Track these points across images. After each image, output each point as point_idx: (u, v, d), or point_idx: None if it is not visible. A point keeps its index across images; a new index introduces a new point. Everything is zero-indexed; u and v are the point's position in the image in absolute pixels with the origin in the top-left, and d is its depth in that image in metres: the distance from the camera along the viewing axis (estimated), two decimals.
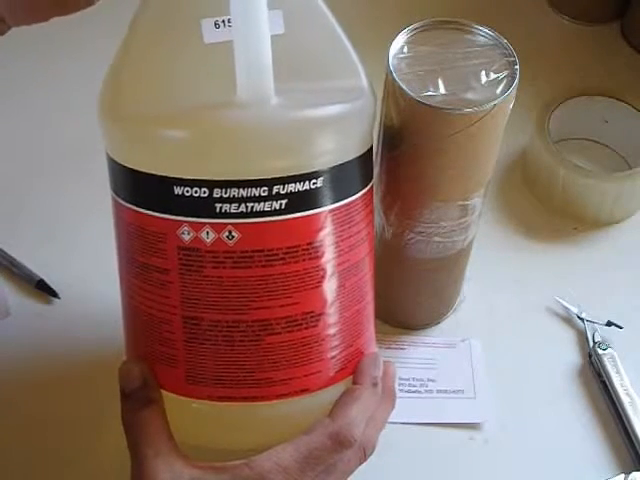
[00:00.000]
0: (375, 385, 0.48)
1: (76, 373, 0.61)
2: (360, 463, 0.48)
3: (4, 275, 0.66)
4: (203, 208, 0.43)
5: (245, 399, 0.46)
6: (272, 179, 0.43)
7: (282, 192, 0.43)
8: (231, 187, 0.42)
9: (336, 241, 0.45)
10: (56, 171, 0.73)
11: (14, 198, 0.71)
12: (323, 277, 0.45)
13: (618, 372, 0.60)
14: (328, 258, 0.45)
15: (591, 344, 0.62)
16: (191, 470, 0.44)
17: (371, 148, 0.48)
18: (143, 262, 0.45)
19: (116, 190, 0.47)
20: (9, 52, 0.75)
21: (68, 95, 0.77)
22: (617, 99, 0.71)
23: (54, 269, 0.66)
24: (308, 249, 0.44)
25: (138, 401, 0.46)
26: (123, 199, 0.46)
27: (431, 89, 0.47)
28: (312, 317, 0.45)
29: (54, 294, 0.65)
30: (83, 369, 0.61)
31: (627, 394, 0.59)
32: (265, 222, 0.43)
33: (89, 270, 0.66)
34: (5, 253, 0.67)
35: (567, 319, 0.65)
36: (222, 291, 0.44)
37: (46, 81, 0.79)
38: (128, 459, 0.45)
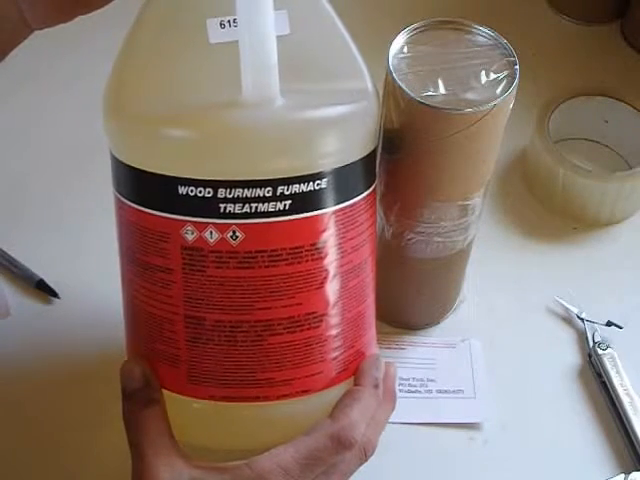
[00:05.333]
0: (376, 386, 0.48)
1: (76, 373, 0.61)
2: (360, 464, 0.48)
3: (4, 275, 0.66)
4: (207, 208, 0.43)
5: (246, 399, 0.46)
6: (276, 180, 0.43)
7: (286, 193, 0.43)
8: (235, 187, 0.42)
9: (339, 242, 0.45)
10: (57, 170, 0.72)
11: (14, 197, 0.71)
12: (326, 278, 0.45)
13: (618, 372, 0.60)
14: (331, 259, 0.45)
15: (591, 344, 0.62)
16: (192, 470, 0.44)
17: (375, 150, 0.48)
18: (146, 261, 0.45)
19: (119, 189, 0.47)
20: None
21: (71, 93, 0.77)
22: (617, 99, 0.71)
23: (54, 269, 0.66)
24: (311, 250, 0.44)
25: (139, 401, 0.46)
26: (126, 198, 0.46)
27: (431, 89, 0.47)
28: (314, 318, 0.45)
29: (54, 294, 0.65)
30: (83, 369, 0.61)
31: (627, 394, 0.59)
32: (269, 222, 0.43)
33: (89, 270, 0.66)
34: (5, 253, 0.67)
35: (567, 319, 0.65)
36: (225, 291, 0.44)
37: (48, 79, 0.79)
38: (129, 459, 0.45)
